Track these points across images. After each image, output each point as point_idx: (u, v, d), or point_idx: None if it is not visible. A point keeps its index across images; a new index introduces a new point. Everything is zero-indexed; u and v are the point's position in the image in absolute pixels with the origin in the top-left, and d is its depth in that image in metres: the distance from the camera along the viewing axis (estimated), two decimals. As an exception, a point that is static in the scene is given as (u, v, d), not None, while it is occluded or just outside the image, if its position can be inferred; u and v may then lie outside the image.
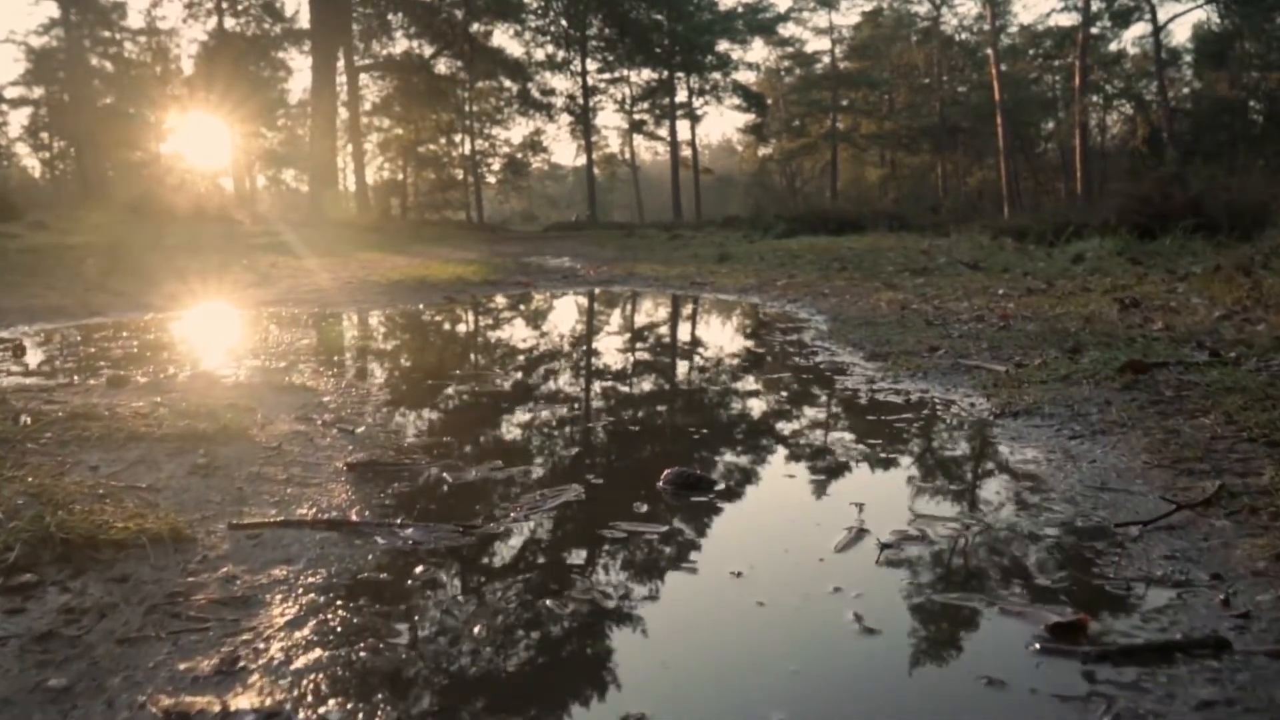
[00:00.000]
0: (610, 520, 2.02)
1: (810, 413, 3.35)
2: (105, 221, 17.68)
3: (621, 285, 9.38)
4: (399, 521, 1.95)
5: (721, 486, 2.28)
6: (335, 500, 2.12)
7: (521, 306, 7.78)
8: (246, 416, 2.91)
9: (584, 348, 5.37)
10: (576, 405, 3.49)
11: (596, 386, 3.98)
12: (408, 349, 5.14)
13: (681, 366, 4.62)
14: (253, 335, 5.47)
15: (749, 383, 3.95)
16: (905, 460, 2.59)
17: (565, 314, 7.38)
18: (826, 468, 2.53)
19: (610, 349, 5.23)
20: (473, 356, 4.82)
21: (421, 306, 7.42)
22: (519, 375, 4.17)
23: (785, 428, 3.12)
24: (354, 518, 1.99)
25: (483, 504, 2.15)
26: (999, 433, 2.83)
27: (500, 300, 8.20)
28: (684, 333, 6.13)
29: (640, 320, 7.04)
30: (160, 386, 3.51)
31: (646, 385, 4.08)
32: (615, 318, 7.07)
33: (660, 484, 2.26)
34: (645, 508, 2.12)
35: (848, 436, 2.88)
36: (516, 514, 2.04)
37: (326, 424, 2.94)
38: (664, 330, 6.39)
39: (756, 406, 3.42)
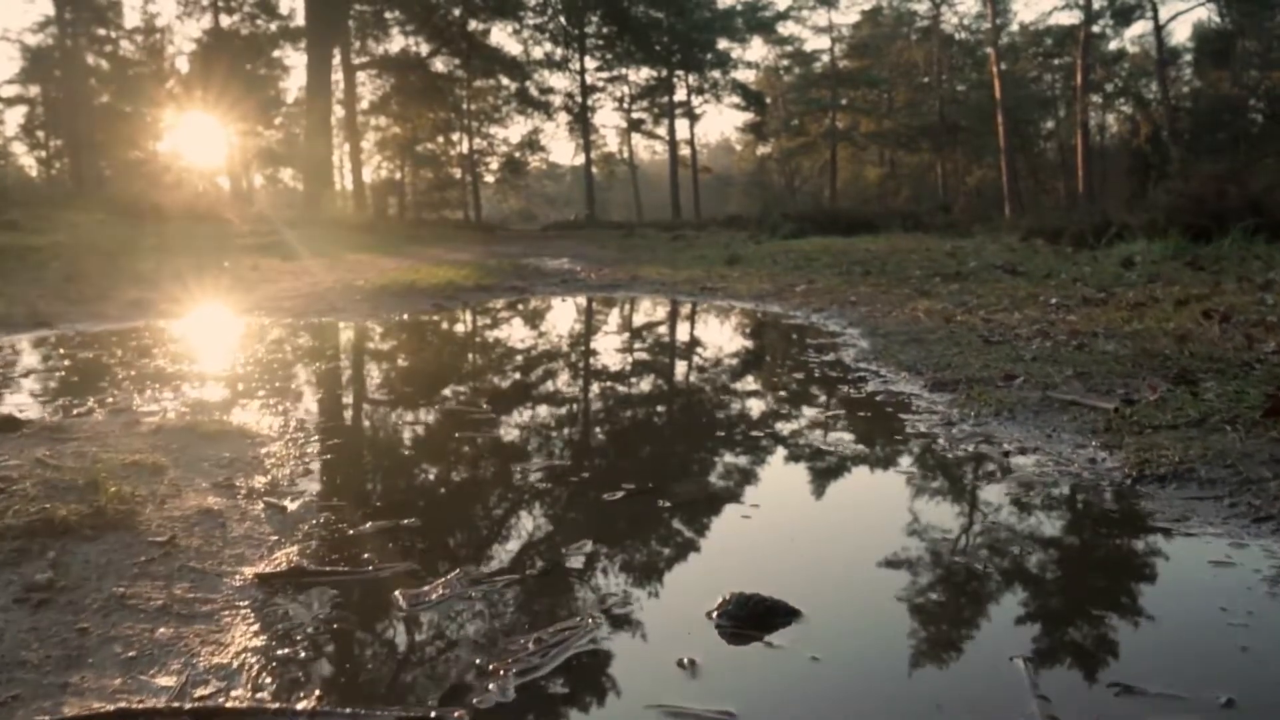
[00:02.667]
0: (646, 694, 1.29)
1: (891, 480, 2.54)
2: (83, 221, 16.92)
3: (625, 291, 8.65)
4: (310, 711, 1.22)
5: (806, 616, 1.54)
6: (224, 655, 1.39)
7: (517, 317, 7.04)
8: (145, 484, 2.18)
9: (588, 372, 4.64)
10: (584, 460, 2.76)
11: (607, 430, 3.25)
12: (379, 373, 4.39)
13: (708, 402, 3.86)
14: (203, 354, 4.74)
15: (798, 427, 3.19)
16: (1058, 574, 1.84)
17: (565, 326, 6.65)
18: (945, 582, 1.77)
19: (620, 373, 4.50)
20: (456, 383, 4.08)
21: (406, 317, 6.68)
22: (511, 410, 3.44)
23: (866, 506, 2.37)
24: (236, 701, 1.25)
25: (449, 658, 1.43)
26: (1156, 514, 2.09)
27: (494, 309, 7.47)
28: (704, 352, 5.36)
29: (650, 335, 6.31)
30: (59, 432, 2.77)
31: (670, 430, 3.35)
32: (622, 331, 6.33)
33: (715, 614, 1.53)
34: (698, 661, 1.39)
35: (953, 523, 2.14)
36: (499, 682, 1.31)
37: (251, 494, 2.21)
38: (680, 348, 5.65)
39: (822, 470, 2.63)
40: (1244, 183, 8.15)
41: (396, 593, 1.62)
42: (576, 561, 1.80)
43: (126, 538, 1.84)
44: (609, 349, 5.26)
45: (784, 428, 3.13)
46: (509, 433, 3.00)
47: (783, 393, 3.72)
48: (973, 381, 3.57)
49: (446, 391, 3.83)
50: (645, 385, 4.15)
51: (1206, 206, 7.66)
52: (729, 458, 2.73)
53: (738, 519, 2.11)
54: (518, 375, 4.33)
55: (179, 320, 6.37)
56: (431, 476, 2.53)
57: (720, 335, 6.04)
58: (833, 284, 7.96)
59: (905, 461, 2.64)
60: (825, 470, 2.59)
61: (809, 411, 3.35)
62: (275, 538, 1.90)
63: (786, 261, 10.70)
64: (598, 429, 3.25)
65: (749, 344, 5.55)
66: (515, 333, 6.19)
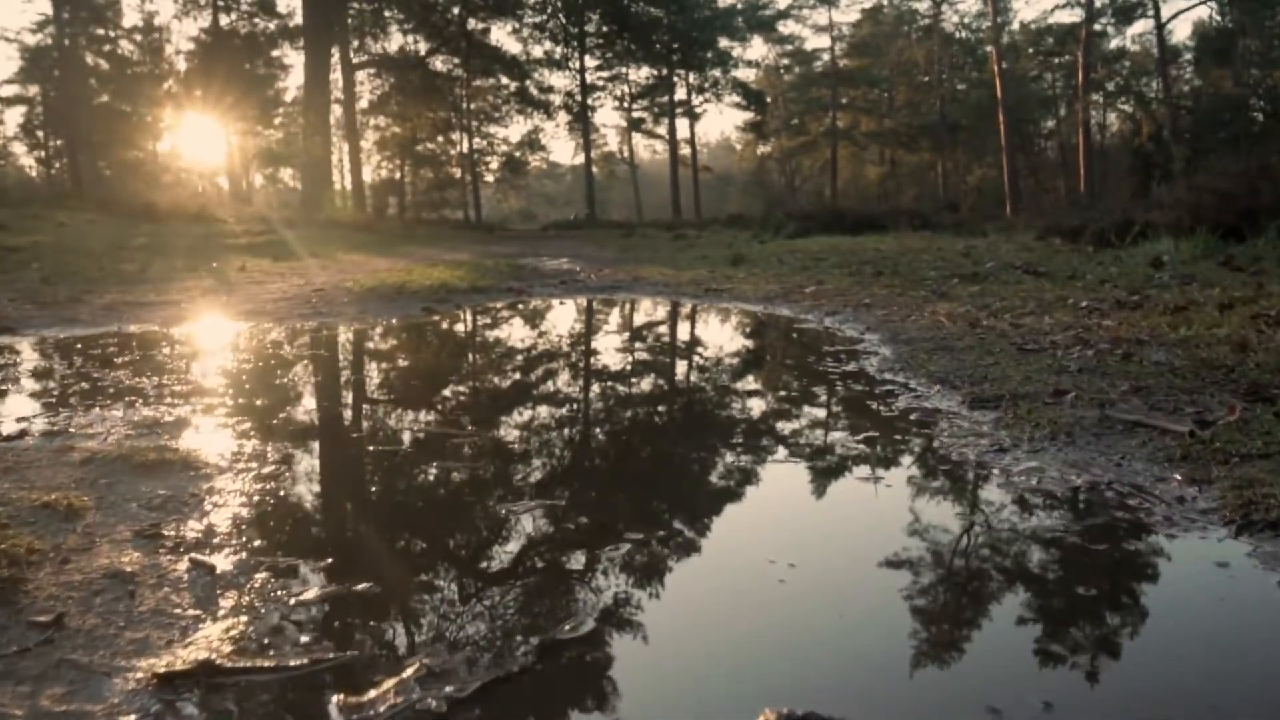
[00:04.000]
0: None
1: (945, 526, 2.11)
2: (72, 221, 16.54)
3: (627, 292, 8.27)
4: None
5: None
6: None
7: (511, 321, 6.66)
8: (52, 534, 1.80)
9: (587, 386, 4.25)
10: (582, 499, 2.37)
11: (609, 458, 2.86)
12: (354, 387, 4.00)
13: (722, 425, 3.43)
14: (167, 365, 4.35)
15: (829, 458, 2.78)
16: (1194, 674, 1.47)
17: (564, 331, 6.26)
18: (1047, 674, 1.41)
19: (622, 388, 4.11)
20: (439, 399, 3.69)
21: (394, 321, 6.30)
22: (500, 434, 3.05)
23: (924, 565, 1.95)
24: None
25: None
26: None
27: (487, 312, 7.08)
28: (713, 362, 4.94)
29: (655, 341, 5.92)
30: (-26, 462, 2.39)
31: (681, 460, 2.96)
32: (624, 337, 5.95)
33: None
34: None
35: (1032, 595, 1.75)
36: None
37: (179, 547, 1.82)
38: (687, 357, 5.26)
39: (865, 515, 2.19)
40: (1277, 178, 7.78)
41: (334, 702, 1.24)
42: (571, 653, 1.41)
43: (3, 618, 1.45)
44: (610, 358, 4.88)
45: (813, 458, 2.74)
46: (495, 463, 2.61)
47: (805, 412, 3.32)
48: (1017, 397, 3.18)
49: (427, 410, 3.44)
50: (651, 402, 3.77)
51: (1237, 203, 7.28)
52: (751, 497, 2.35)
53: (771, 585, 1.72)
54: (509, 390, 3.94)
55: (152, 326, 5.98)
56: (399, 522, 2.14)
57: (729, 341, 5.65)
58: (843, 285, 7.57)
59: (961, 503, 2.25)
60: (870, 516, 2.20)
61: (838, 436, 2.95)
62: (193, 614, 1.52)
63: (793, 261, 10.32)
64: (597, 458, 2.87)
65: (761, 352, 5.16)
66: (509, 339, 5.81)
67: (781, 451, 2.78)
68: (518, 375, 4.38)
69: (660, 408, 3.62)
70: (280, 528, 2.00)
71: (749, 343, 5.54)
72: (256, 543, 1.88)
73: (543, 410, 3.44)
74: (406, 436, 2.93)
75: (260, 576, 1.68)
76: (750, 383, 4.04)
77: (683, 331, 6.13)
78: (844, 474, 2.50)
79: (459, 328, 6.32)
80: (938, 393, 3.42)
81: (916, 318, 5.60)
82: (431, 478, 2.46)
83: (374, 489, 2.36)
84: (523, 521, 2.08)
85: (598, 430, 3.22)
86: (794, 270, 9.23)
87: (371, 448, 2.81)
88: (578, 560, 1.85)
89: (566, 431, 3.14)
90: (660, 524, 2.07)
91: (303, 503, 2.20)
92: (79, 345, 5.15)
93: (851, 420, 3.15)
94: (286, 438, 2.84)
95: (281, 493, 2.24)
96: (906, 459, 2.63)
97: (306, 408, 3.33)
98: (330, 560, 1.80)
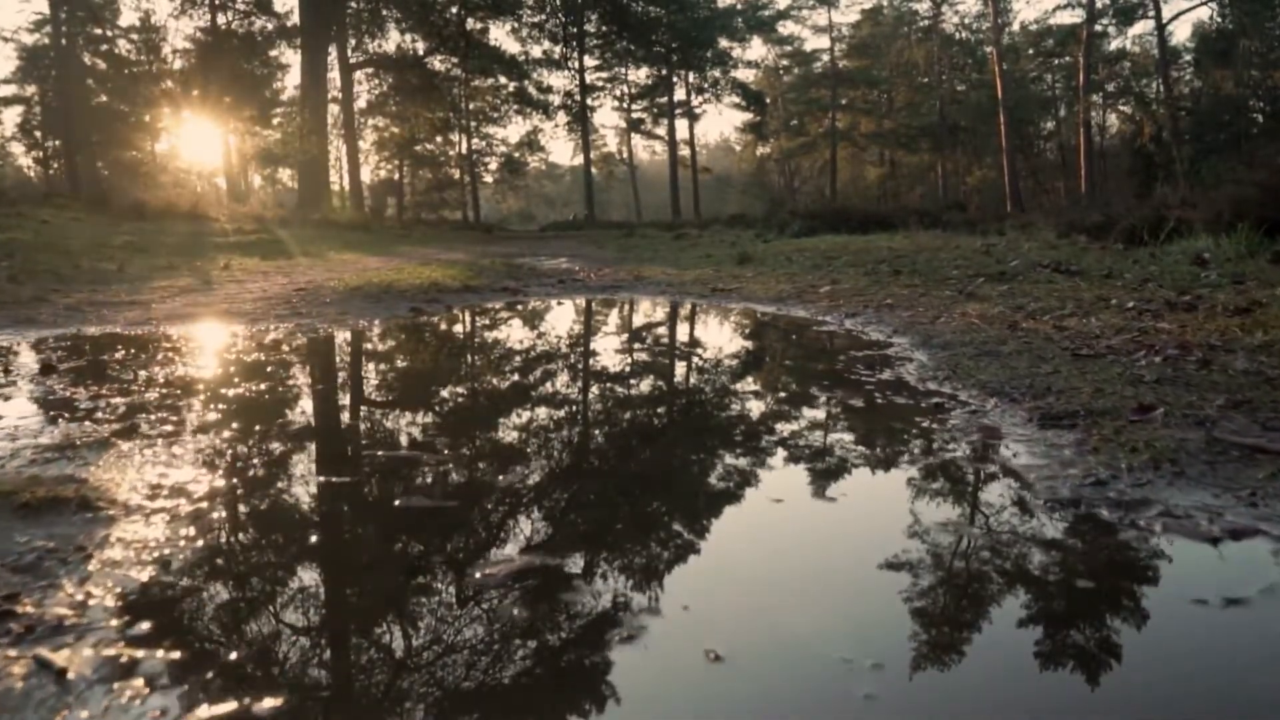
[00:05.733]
0: None
1: (1055, 593, 1.62)
2: (56, 218, 16.04)
3: (629, 292, 7.78)
4: None
5: None
6: None
7: (505, 324, 6.16)
8: None
9: (587, 394, 3.76)
10: (575, 557, 1.88)
11: (610, 505, 2.36)
12: (316, 402, 3.48)
13: (748, 456, 2.94)
14: (113, 371, 3.85)
15: (885, 498, 2.30)
16: None
17: (562, 334, 5.76)
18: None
19: (629, 398, 3.62)
20: (411, 423, 3.19)
21: (377, 323, 5.80)
22: (480, 469, 2.56)
23: (1054, 656, 1.49)
24: None
25: None
26: None
27: (479, 314, 6.59)
28: (730, 370, 4.40)
29: (663, 345, 5.43)
30: None
31: (704, 504, 2.47)
32: (628, 340, 5.46)
33: None
34: None
35: (1185, 691, 1.28)
36: None
37: (29, 633, 1.33)
38: (700, 365, 4.76)
39: (944, 579, 1.67)
40: (1325, 172, 7.31)
41: None
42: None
43: None
44: (611, 363, 4.39)
45: (864, 496, 2.24)
46: (471, 510, 2.11)
47: (848, 435, 2.81)
48: (1094, 413, 2.69)
49: (395, 436, 2.95)
50: (664, 422, 3.27)
51: (1283, 198, 6.81)
52: (793, 567, 1.85)
53: (849, 699, 1.23)
54: (496, 410, 3.44)
55: (114, 328, 5.49)
56: (328, 597, 1.64)
57: (745, 347, 5.15)
58: (860, 285, 7.09)
59: (1067, 558, 1.75)
60: (951, 581, 1.70)
61: (897, 474, 2.43)
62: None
63: (803, 260, 9.84)
64: (594, 508, 2.37)
65: (782, 358, 4.66)
66: (500, 344, 5.30)
67: (822, 488, 2.29)
68: (507, 387, 3.89)
69: (676, 428, 3.13)
70: (175, 606, 1.50)
71: (768, 348, 5.05)
72: (141, 627, 1.39)
73: (536, 435, 2.95)
74: (363, 469, 2.43)
75: (123, 691, 1.19)
76: (780, 397, 3.54)
77: (692, 335, 5.64)
78: (908, 523, 2.00)
79: (446, 330, 5.83)
80: (996, 407, 2.93)
81: (946, 319, 5.12)
82: (385, 528, 1.97)
83: (306, 543, 1.85)
84: (494, 599, 1.58)
85: (598, 459, 2.72)
86: (805, 269, 8.75)
87: (322, 478, 2.32)
88: (576, 662, 1.36)
89: (564, 460, 2.64)
90: (698, 603, 1.58)
91: (217, 565, 1.70)
92: (26, 349, 4.66)
93: (904, 444, 2.65)
94: (222, 466, 2.35)
95: (195, 547, 1.75)
96: (988, 499, 2.13)
97: (254, 427, 2.84)
98: (232, 658, 1.31)
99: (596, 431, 2.99)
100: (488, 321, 6.18)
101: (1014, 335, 4.37)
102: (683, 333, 5.83)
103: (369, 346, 4.99)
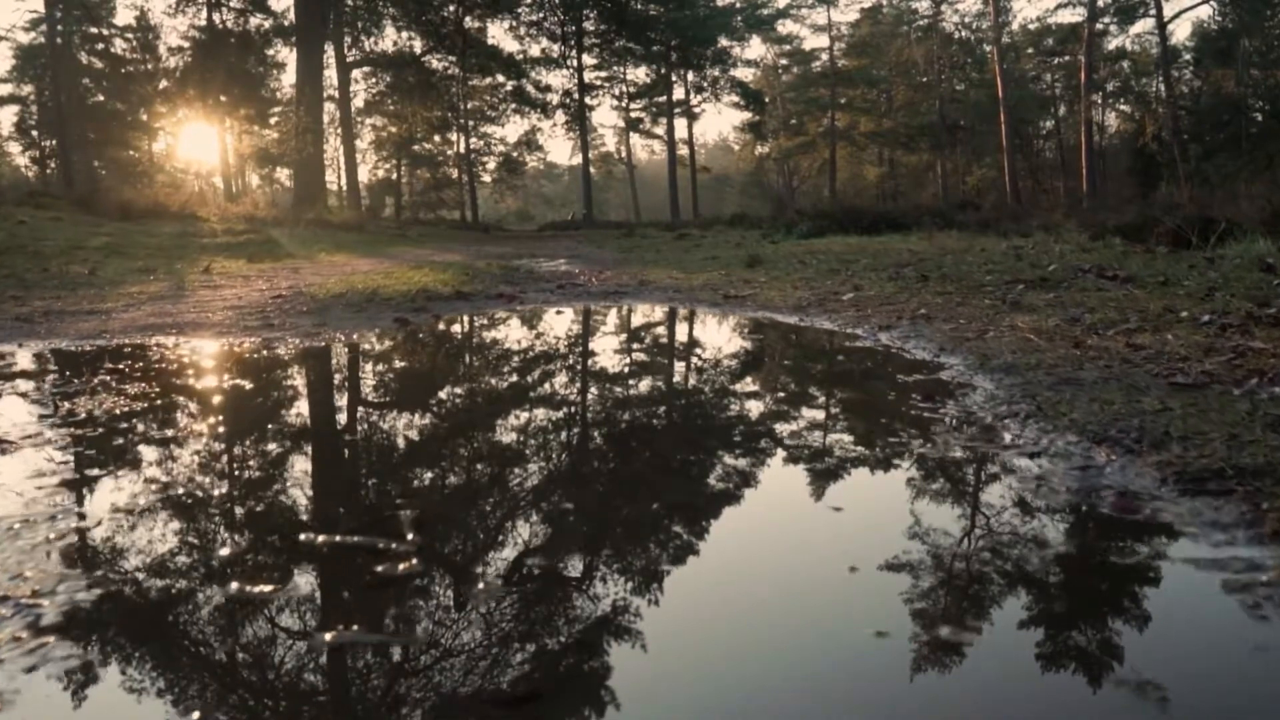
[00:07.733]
0: None
1: None
2: (35, 218, 15.42)
3: (633, 299, 7.19)
4: None
5: None
6: None
7: (499, 337, 5.57)
8: None
9: (587, 441, 3.17)
10: (581, 673, 1.29)
11: (619, 596, 1.78)
12: (260, 447, 2.85)
13: (797, 527, 2.38)
14: (33, 396, 3.26)
15: (1004, 604, 1.73)
16: None
17: (562, 349, 5.16)
18: None
19: (649, 443, 3.03)
20: (374, 476, 2.59)
21: (355, 338, 5.20)
22: (453, 546, 1.97)
23: None
24: None
25: None
26: None
27: (469, 325, 6.00)
28: (768, 406, 3.80)
29: (679, 364, 4.84)
30: None
31: (749, 614, 1.89)
32: (640, 357, 4.87)
33: None
34: None
35: None
36: None
37: None
38: (722, 388, 4.16)
39: None
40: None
41: None
42: None
43: None
44: (622, 391, 3.80)
45: (985, 620, 1.67)
46: (440, 598, 1.53)
47: (930, 500, 2.23)
48: (1248, 473, 2.11)
49: (352, 498, 2.36)
50: (695, 471, 2.69)
51: (1349, 198, 6.24)
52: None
53: None
54: (478, 461, 2.84)
55: (60, 342, 4.90)
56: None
57: (772, 368, 4.56)
58: (886, 291, 6.51)
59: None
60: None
61: (1005, 565, 1.86)
62: None
63: (817, 264, 9.26)
64: (601, 601, 1.79)
65: (825, 384, 4.06)
66: (492, 365, 4.70)
67: (943, 609, 1.71)
68: (494, 429, 3.30)
69: (712, 482, 2.54)
70: None
71: (798, 368, 4.46)
72: None
73: (523, 499, 2.36)
74: (313, 541, 1.85)
75: None
76: (830, 438, 2.96)
77: (710, 352, 5.04)
78: (1064, 662, 1.42)
79: (431, 349, 5.23)
80: (1110, 460, 2.34)
81: (995, 334, 4.54)
82: (334, 631, 1.38)
83: (228, 654, 1.27)
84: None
85: (593, 533, 2.14)
86: (822, 274, 8.17)
87: (235, 586, 1.73)
88: None
89: (550, 534, 2.06)
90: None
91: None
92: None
93: (1013, 527, 2.06)
94: (100, 559, 1.76)
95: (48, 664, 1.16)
96: (1159, 635, 1.55)
97: (172, 480, 2.25)
98: None
99: (606, 499, 2.40)
100: (479, 339, 5.58)
101: (1085, 356, 3.79)
102: (705, 350, 5.23)
103: (336, 374, 4.37)
